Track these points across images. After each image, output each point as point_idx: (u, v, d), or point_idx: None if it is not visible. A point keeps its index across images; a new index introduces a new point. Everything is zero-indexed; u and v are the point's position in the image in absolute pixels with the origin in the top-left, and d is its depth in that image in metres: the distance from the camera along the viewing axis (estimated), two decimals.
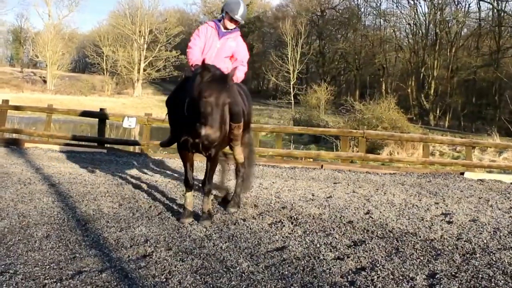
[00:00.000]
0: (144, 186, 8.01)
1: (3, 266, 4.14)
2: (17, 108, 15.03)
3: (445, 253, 5.04)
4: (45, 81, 71.32)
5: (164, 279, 4.07)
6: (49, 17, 74.72)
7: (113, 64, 69.31)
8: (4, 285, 3.76)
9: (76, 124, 32.54)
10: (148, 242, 4.98)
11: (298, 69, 56.67)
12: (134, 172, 9.55)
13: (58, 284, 3.85)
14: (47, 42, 69.07)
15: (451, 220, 6.58)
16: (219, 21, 6.38)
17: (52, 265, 4.25)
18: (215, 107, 5.08)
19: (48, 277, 3.97)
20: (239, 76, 6.24)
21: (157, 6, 72.65)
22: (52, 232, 5.15)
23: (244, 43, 6.66)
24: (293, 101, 53.51)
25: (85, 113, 15.57)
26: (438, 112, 51.53)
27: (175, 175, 9.12)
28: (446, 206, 7.60)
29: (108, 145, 13.09)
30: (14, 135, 14.88)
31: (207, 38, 6.23)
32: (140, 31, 68.57)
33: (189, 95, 5.39)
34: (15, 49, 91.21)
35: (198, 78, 5.18)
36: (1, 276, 3.92)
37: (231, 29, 6.36)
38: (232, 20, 6.26)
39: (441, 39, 52.40)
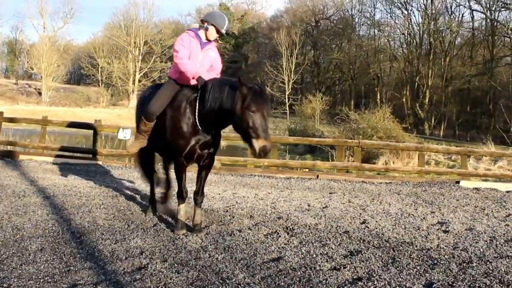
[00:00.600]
0: (139, 197, 7.99)
1: None
2: (11, 120, 14.96)
3: (441, 262, 5.03)
4: (40, 93, 71.24)
5: None
6: (44, 29, 74.77)
7: (108, 76, 69.35)
8: None
9: (72, 136, 32.43)
10: (144, 254, 4.95)
11: (293, 79, 56.82)
12: (129, 183, 9.53)
13: None
14: (42, 54, 69.11)
15: (447, 229, 6.58)
16: (198, 30, 6.38)
17: (46, 278, 4.22)
18: (265, 121, 5.26)
19: None
20: None
21: (152, 18, 72.97)
22: (47, 245, 5.12)
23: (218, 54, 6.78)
24: (288, 111, 53.57)
25: (80, 125, 15.55)
26: (433, 121, 51.63)
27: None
28: (442, 215, 7.60)
29: (103, 157, 13.01)
30: (9, 147, 14.80)
31: (191, 49, 6.22)
32: (135, 42, 68.70)
33: (209, 108, 5.62)
34: (10, 61, 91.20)
35: (239, 94, 5.29)
36: None
37: (211, 40, 6.44)
38: (218, 32, 6.34)
39: (435, 49, 52.61)
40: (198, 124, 5.75)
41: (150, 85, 7.31)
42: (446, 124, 51.05)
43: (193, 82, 6.03)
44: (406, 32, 56.87)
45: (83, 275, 4.32)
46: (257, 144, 5.14)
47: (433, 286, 4.31)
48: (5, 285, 4.01)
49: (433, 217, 7.42)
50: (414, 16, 66.05)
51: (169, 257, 4.92)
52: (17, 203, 6.96)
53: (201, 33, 6.31)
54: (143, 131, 6.29)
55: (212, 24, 6.27)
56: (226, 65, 72.16)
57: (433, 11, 52.97)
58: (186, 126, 5.81)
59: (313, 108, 44.35)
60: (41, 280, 4.17)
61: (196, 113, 5.74)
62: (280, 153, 23.41)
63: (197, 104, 5.75)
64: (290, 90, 56.35)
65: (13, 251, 4.88)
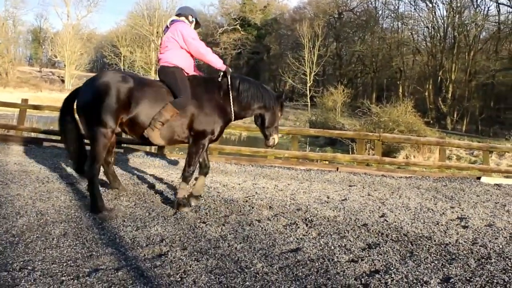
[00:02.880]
0: (160, 186, 8.07)
1: (22, 263, 4.21)
2: (36, 107, 15.13)
3: (460, 257, 5.03)
4: (63, 81, 72.03)
5: (179, 278, 4.11)
6: (68, 18, 75.51)
7: (130, 65, 69.80)
8: (23, 281, 3.83)
9: None
10: (164, 242, 5.03)
11: (314, 71, 56.62)
12: (150, 171, 9.62)
13: (75, 281, 3.90)
14: (66, 42, 69.86)
15: (466, 224, 6.56)
16: (184, 22, 6.83)
17: (69, 262, 4.31)
18: None
19: (65, 274, 4.03)
20: None
21: (174, 7, 72.81)
22: (70, 230, 5.22)
23: None
24: (309, 103, 53.44)
25: None
26: (455, 116, 51.08)
27: None
28: (462, 210, 7.57)
29: (125, 145, 13.10)
30: (33, 134, 15.01)
31: None
32: (157, 32, 68.95)
33: (248, 101, 6.70)
34: (34, 49, 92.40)
35: (279, 101, 6.92)
36: (20, 272, 3.99)
37: None
38: (198, 25, 7.18)
39: (460, 43, 51.87)
40: (232, 111, 6.60)
41: (111, 72, 6.66)
42: (469, 119, 50.45)
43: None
44: (430, 25, 56.19)
45: (105, 260, 4.40)
46: (276, 138, 6.84)
47: (451, 281, 4.32)
48: (29, 267, 4.11)
49: (453, 212, 7.40)
50: (439, 9, 65.64)
51: (189, 245, 4.99)
52: (41, 189, 7.09)
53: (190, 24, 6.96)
54: (165, 120, 6.25)
55: (195, 18, 7.04)
56: (248, 56, 72.34)
57: (458, 4, 52.21)
58: (224, 112, 6.59)
59: (334, 101, 44.21)
60: (64, 264, 4.26)
61: (231, 101, 6.57)
62: (301, 145, 23.42)
63: (230, 93, 6.57)
64: (311, 82, 56.22)
65: (37, 235, 4.99)
